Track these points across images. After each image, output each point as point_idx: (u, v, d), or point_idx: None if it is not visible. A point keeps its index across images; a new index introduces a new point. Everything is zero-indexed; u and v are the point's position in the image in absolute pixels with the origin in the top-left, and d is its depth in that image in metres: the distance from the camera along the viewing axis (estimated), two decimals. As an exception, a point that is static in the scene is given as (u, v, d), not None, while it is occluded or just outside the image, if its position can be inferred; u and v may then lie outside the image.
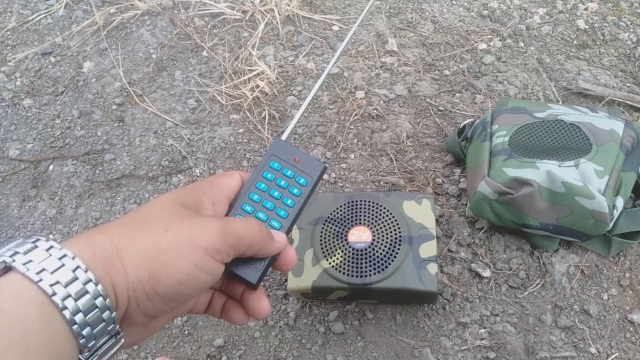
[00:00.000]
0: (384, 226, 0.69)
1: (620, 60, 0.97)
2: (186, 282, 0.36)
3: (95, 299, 0.31)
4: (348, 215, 0.70)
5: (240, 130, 0.93)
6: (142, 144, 0.94)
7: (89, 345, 0.32)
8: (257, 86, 0.97)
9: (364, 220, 0.69)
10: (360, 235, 0.68)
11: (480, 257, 0.75)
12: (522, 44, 1.01)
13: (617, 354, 0.67)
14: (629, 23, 1.02)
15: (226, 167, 0.89)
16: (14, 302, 0.29)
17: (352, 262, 0.66)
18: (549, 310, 0.71)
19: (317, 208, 0.72)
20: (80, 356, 0.32)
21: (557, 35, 1.02)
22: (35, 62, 1.08)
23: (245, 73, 1.00)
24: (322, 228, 0.70)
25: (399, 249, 0.67)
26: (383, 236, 0.68)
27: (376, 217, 0.69)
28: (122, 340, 0.35)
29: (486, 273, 0.73)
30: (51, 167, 0.93)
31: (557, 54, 0.99)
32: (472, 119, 0.85)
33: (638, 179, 0.74)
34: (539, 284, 0.73)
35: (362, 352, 0.70)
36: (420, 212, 0.70)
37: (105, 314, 0.32)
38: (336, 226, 0.70)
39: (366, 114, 0.92)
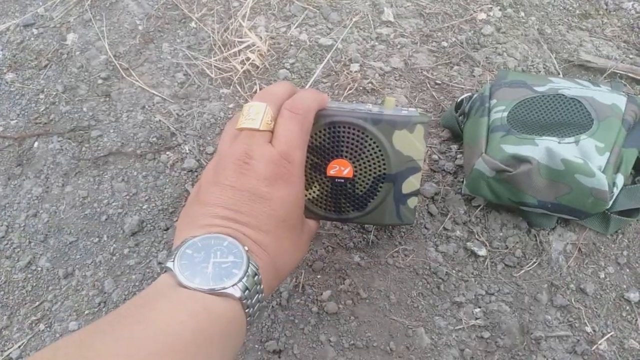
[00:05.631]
0: (368, 162, 0.62)
1: (623, 30, 0.94)
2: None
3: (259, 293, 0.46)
4: (329, 145, 0.62)
5: (231, 105, 0.90)
6: (130, 120, 0.91)
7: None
8: (248, 59, 0.94)
9: (346, 153, 0.61)
10: (340, 170, 0.62)
11: (476, 236, 0.74)
12: (522, 14, 0.97)
13: (612, 332, 0.67)
14: (634, -9, 0.98)
15: (216, 144, 0.86)
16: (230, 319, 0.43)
17: (330, 198, 0.63)
18: (544, 289, 0.70)
19: None
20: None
21: (559, 5, 0.98)
22: (17, 34, 1.04)
23: (235, 45, 0.96)
24: None
25: (381, 187, 0.62)
26: (365, 173, 0.62)
27: (360, 150, 0.62)
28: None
29: (482, 252, 0.72)
30: (36, 144, 0.90)
31: (559, 24, 0.95)
32: (470, 93, 0.83)
33: (639, 155, 0.72)
34: (535, 262, 0.72)
35: (356, 332, 0.69)
36: (411, 142, 0.62)
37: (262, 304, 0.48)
38: (315, 157, 0.62)
39: (361, 88, 0.89)
